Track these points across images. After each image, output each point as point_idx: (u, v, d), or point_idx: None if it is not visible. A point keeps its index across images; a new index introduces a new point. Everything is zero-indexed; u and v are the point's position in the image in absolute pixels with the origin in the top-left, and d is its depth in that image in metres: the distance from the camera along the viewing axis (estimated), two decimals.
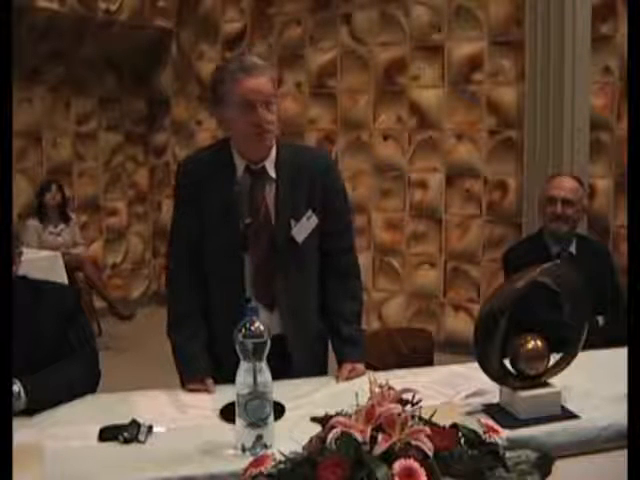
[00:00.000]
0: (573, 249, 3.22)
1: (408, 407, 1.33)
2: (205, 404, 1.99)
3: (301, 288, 2.32)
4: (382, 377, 1.43)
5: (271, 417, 1.67)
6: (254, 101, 2.12)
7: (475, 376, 2.00)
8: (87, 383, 2.14)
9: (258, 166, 2.24)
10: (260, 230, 2.22)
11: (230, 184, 2.22)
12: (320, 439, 1.31)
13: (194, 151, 2.58)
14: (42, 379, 2.00)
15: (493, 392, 1.95)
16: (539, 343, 1.90)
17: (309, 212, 2.26)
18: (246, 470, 1.31)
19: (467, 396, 2.02)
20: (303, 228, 2.25)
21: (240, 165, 2.24)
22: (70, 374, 2.08)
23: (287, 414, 1.88)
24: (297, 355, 2.29)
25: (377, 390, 1.35)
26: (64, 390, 2.04)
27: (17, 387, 1.91)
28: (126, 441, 1.72)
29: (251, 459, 1.36)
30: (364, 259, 6.19)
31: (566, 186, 3.22)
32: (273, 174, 2.24)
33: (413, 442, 1.24)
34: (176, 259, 2.32)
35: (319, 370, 2.40)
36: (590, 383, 2.06)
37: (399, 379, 1.57)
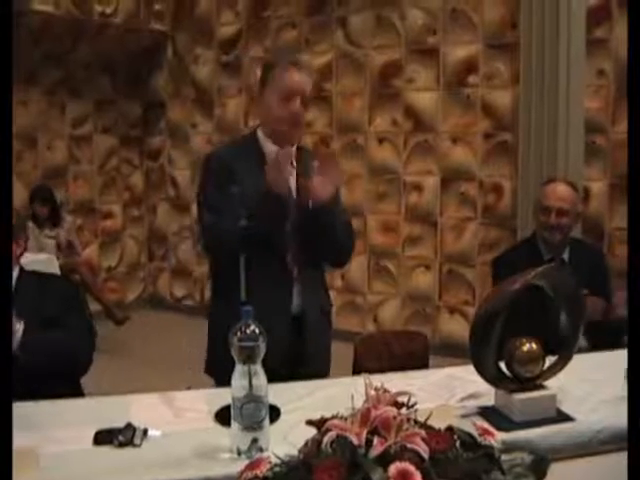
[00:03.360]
0: (566, 255, 3.18)
1: (403, 410, 1.33)
2: (200, 407, 1.98)
3: (315, 266, 2.50)
4: (377, 380, 1.43)
5: (266, 420, 1.67)
6: (298, 95, 2.36)
7: (470, 379, 2.01)
8: (80, 347, 2.39)
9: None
10: (288, 209, 2.33)
11: (261, 170, 2.32)
12: (316, 442, 1.31)
13: (218, 146, 2.68)
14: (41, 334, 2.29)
15: (488, 395, 1.95)
16: (534, 346, 1.91)
17: None
18: (241, 473, 1.31)
19: (462, 399, 2.02)
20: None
21: (271, 153, 2.37)
22: (66, 337, 2.34)
23: (283, 417, 1.88)
24: (313, 333, 2.45)
25: (372, 393, 1.35)
26: (58, 345, 2.30)
27: (19, 325, 2.20)
28: (121, 445, 1.72)
29: (246, 462, 1.36)
30: (360, 262, 6.19)
31: (561, 195, 3.15)
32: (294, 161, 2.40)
33: (409, 445, 1.23)
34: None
35: (327, 350, 2.59)
36: (585, 386, 2.06)
37: (394, 382, 1.57)
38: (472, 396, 2.01)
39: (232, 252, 2.27)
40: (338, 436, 1.27)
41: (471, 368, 1.90)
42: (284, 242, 2.36)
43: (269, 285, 2.31)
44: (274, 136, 2.41)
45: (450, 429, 1.34)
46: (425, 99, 5.86)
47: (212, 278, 2.60)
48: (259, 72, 2.48)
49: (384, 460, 1.21)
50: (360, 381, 1.41)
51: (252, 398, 1.64)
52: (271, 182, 2.23)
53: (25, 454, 1.64)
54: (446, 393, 2.07)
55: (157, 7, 6.88)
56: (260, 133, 2.47)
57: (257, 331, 1.66)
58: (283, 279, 2.40)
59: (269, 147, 2.41)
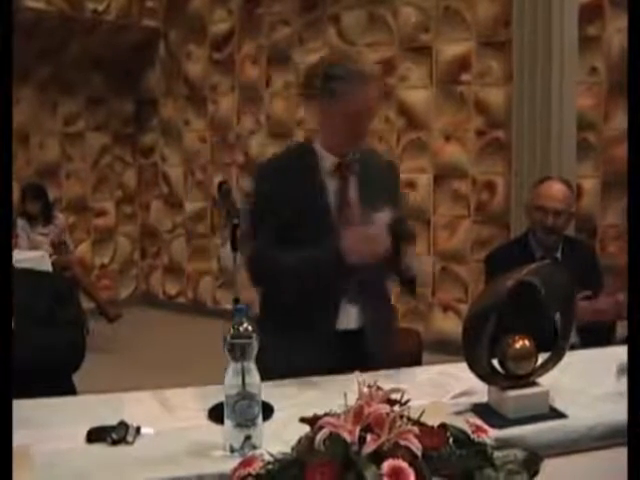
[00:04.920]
0: (559, 254, 3.15)
1: (396, 407, 1.33)
2: (193, 405, 1.98)
3: (378, 280, 2.39)
4: (370, 377, 1.43)
5: (260, 418, 1.67)
6: (366, 111, 2.22)
7: (463, 376, 2.01)
8: (73, 344, 2.40)
9: (350, 159, 2.29)
10: (345, 223, 2.26)
11: (316, 183, 2.28)
12: (309, 439, 1.31)
13: (269, 157, 2.58)
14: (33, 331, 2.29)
15: (481, 392, 1.96)
16: (527, 343, 1.91)
17: (387, 203, 2.30)
18: (235, 471, 1.31)
19: (455, 396, 2.02)
20: (383, 219, 2.29)
21: (329, 162, 2.29)
22: (58, 333, 2.36)
23: (276, 414, 1.87)
24: (374, 350, 2.33)
25: (365, 390, 1.35)
26: (50, 342, 2.30)
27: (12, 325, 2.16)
28: (114, 442, 1.71)
29: (240, 460, 1.36)
30: None
31: (557, 196, 3.10)
32: (357, 169, 2.31)
33: (402, 442, 1.23)
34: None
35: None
36: (578, 383, 2.06)
37: (388, 379, 1.57)
38: (465, 393, 2.01)
39: (274, 282, 2.29)
40: (331, 433, 1.27)
41: (464, 365, 1.90)
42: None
43: (315, 300, 2.26)
44: (334, 148, 2.29)
45: (443, 426, 1.34)
46: (418, 97, 5.86)
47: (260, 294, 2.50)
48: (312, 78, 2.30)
49: (377, 457, 1.21)
50: (353, 378, 1.41)
51: (245, 395, 1.63)
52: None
53: (18, 452, 1.64)
54: (439, 390, 2.07)
55: (149, 4, 6.87)
56: (317, 143, 2.33)
57: (250, 329, 1.66)
58: (329, 295, 2.30)
59: (328, 159, 2.30)
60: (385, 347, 2.41)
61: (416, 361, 2.95)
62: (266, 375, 2.28)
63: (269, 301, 2.44)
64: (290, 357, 2.24)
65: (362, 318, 2.34)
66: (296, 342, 2.27)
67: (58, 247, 6.06)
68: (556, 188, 3.15)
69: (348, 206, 2.30)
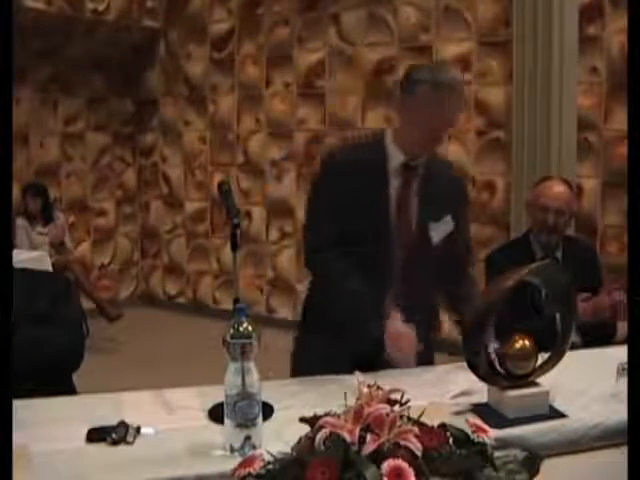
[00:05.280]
0: (559, 254, 3.15)
1: (397, 407, 1.33)
2: (193, 404, 1.98)
3: (425, 287, 2.36)
4: (371, 377, 1.43)
5: (260, 418, 1.67)
6: (445, 119, 2.21)
7: (464, 376, 2.01)
8: (71, 343, 2.38)
9: (417, 162, 2.29)
10: (400, 228, 2.27)
11: (381, 179, 2.27)
12: (309, 439, 1.31)
13: (340, 146, 2.59)
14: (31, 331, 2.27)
15: (481, 392, 1.96)
16: (527, 343, 1.91)
17: (447, 216, 2.31)
18: (235, 471, 1.31)
19: (455, 396, 2.02)
20: (440, 230, 2.31)
21: (396, 160, 2.28)
22: (56, 333, 2.32)
23: (276, 414, 1.88)
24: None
25: (365, 390, 1.35)
26: (48, 341, 2.28)
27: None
28: (114, 442, 1.71)
29: (240, 460, 1.36)
30: None
31: (559, 196, 3.10)
32: (422, 172, 2.31)
33: (402, 442, 1.23)
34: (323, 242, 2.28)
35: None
36: (578, 383, 2.06)
37: (388, 379, 1.57)
38: (465, 393, 2.01)
39: (328, 278, 2.29)
40: (331, 433, 1.27)
41: (464, 365, 1.90)
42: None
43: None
44: (406, 147, 2.29)
45: (443, 426, 1.34)
46: None
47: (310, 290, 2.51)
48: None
49: (377, 457, 1.21)
50: (353, 378, 1.41)
51: (245, 395, 1.63)
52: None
53: (17, 452, 1.64)
54: (439, 390, 2.07)
55: (149, 4, 6.86)
56: (389, 138, 2.34)
57: (250, 328, 1.66)
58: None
59: (396, 156, 2.28)
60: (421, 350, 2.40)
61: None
62: (303, 374, 2.29)
63: (314, 294, 2.46)
64: (327, 356, 2.26)
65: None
66: (335, 342, 2.27)
67: (58, 247, 6.06)
68: (558, 188, 3.15)
69: (405, 209, 2.29)
